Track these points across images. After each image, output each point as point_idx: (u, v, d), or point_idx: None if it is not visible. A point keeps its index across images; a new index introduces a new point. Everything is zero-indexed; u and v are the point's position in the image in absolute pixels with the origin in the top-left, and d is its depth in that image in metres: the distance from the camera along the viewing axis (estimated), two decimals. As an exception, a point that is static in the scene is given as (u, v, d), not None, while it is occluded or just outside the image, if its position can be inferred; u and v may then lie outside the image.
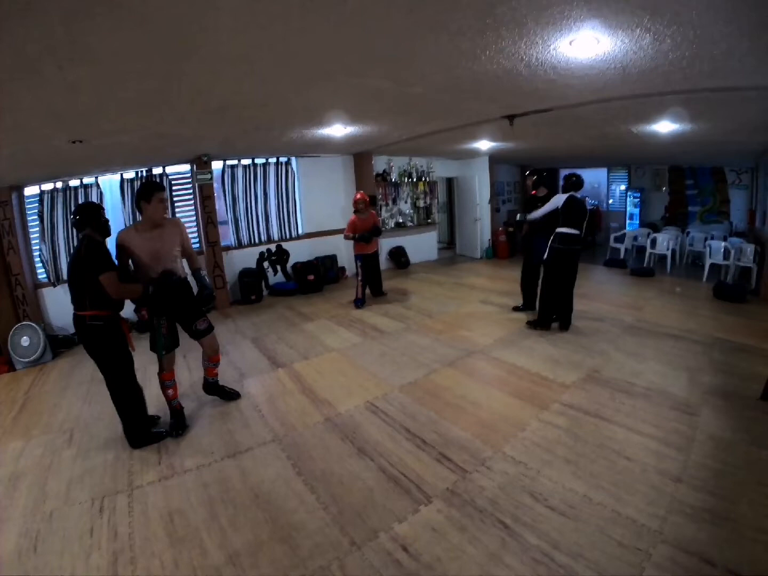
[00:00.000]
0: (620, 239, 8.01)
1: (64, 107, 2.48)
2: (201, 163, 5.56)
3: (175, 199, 5.81)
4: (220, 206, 6.11)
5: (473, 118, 4.27)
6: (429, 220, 8.56)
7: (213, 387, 3.15)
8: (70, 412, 3.22)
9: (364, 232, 5.37)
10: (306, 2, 1.54)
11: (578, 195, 4.15)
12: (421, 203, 8.30)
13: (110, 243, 2.58)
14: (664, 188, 9.15)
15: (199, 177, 5.64)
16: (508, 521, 1.88)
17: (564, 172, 7.65)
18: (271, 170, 6.54)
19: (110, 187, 5.47)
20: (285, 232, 6.82)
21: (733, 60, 2.30)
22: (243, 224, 6.41)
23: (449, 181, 9.56)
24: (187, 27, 1.67)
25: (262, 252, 6.38)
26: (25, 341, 4.37)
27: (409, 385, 3.26)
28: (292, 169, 6.73)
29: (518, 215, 4.88)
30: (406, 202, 8.16)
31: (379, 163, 7.62)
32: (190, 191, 5.96)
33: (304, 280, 6.47)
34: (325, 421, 2.82)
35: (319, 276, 6.58)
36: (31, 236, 4.97)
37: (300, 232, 6.99)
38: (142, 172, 5.54)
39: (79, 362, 4.26)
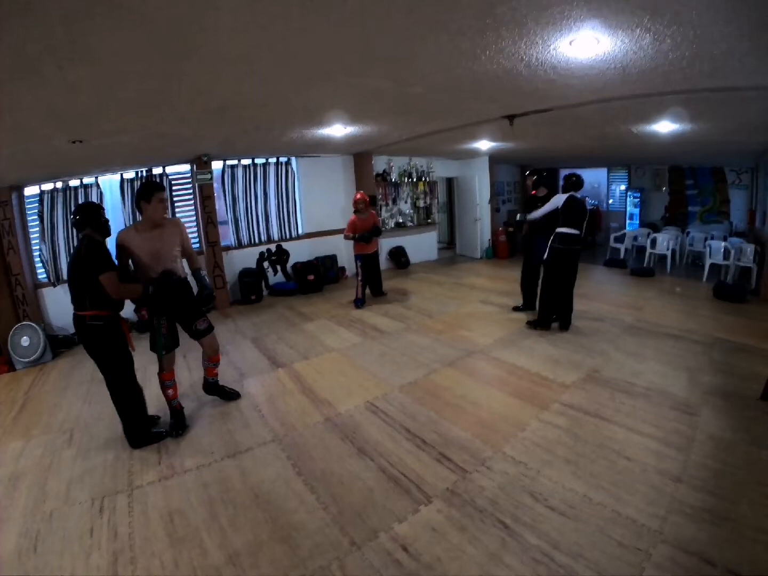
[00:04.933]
0: (620, 239, 8.01)
1: (64, 107, 2.48)
2: (201, 163, 5.56)
3: (175, 199, 5.80)
4: (220, 206, 6.11)
5: (473, 118, 4.27)
6: (429, 220, 8.56)
7: (213, 387, 3.15)
8: (70, 412, 3.22)
9: (364, 232, 5.37)
10: (306, 2, 1.54)
11: (578, 195, 4.15)
12: (421, 203, 8.29)
13: (110, 243, 2.58)
14: (664, 188, 9.14)
15: (199, 177, 5.64)
16: (508, 521, 1.88)
17: (564, 172, 7.65)
18: (271, 170, 6.54)
19: (110, 187, 5.47)
20: (285, 232, 6.82)
21: (733, 60, 2.30)
22: (243, 224, 6.41)
23: (449, 181, 9.55)
24: (187, 27, 1.67)
25: (262, 252, 6.38)
26: (25, 341, 4.37)
27: (409, 385, 3.26)
28: (292, 169, 6.73)
29: (518, 215, 4.88)
30: (406, 202, 8.16)
31: (379, 163, 7.62)
32: (190, 191, 5.96)
33: (304, 280, 6.47)
34: (325, 421, 2.82)
35: (319, 276, 6.58)
36: (31, 236, 4.97)
37: (300, 232, 6.99)
38: (142, 172, 5.54)
39: (79, 362, 4.26)
